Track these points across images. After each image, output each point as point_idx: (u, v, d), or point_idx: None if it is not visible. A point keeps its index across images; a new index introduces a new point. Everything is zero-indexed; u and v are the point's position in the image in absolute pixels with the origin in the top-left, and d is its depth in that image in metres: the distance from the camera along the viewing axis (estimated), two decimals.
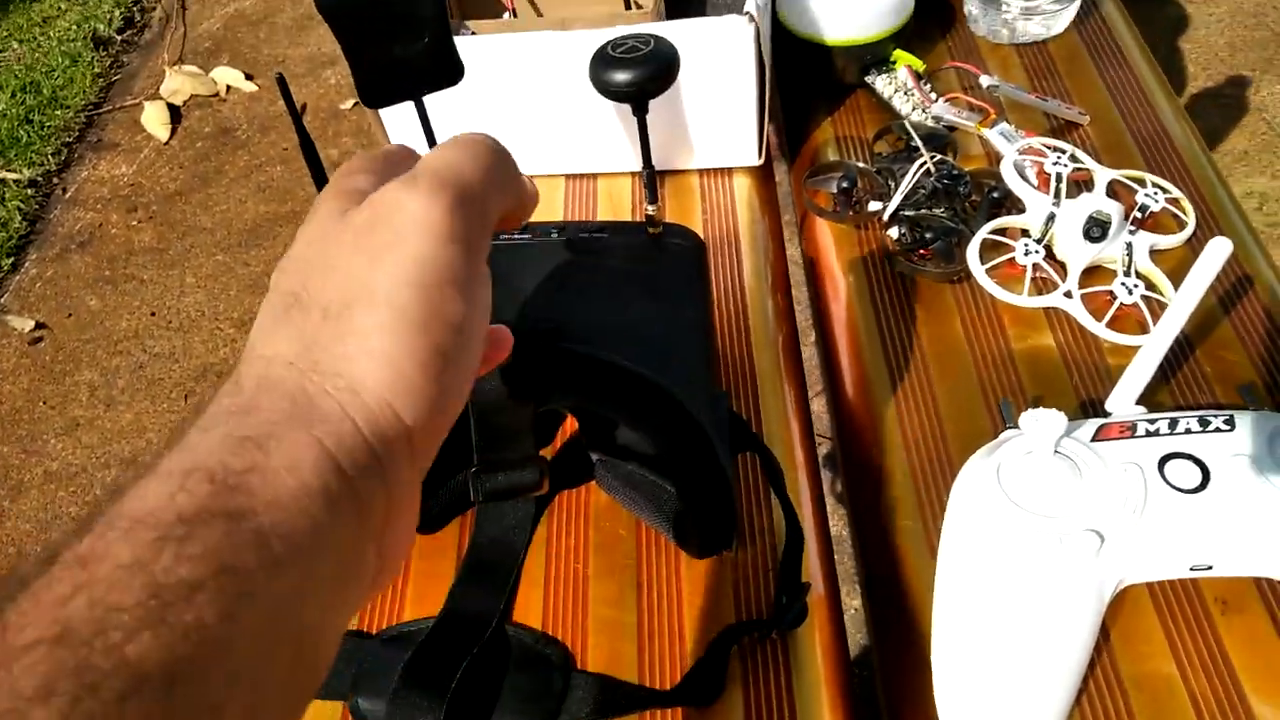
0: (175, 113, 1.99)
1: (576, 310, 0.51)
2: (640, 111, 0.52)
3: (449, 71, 0.53)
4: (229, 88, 2.03)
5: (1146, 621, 0.46)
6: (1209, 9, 1.70)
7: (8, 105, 2.06)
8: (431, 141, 0.55)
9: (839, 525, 0.57)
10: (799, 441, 0.57)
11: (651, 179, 0.56)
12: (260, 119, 1.93)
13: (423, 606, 0.52)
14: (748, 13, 0.63)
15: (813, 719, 0.46)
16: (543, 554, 0.53)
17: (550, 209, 0.73)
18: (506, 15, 0.84)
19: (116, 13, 2.34)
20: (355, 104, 1.93)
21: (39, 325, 1.57)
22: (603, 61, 0.50)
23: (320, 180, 0.62)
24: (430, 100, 0.52)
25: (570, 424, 0.59)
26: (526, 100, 0.70)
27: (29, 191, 1.84)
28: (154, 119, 1.95)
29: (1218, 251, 0.44)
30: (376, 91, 0.52)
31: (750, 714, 0.46)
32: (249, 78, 2.04)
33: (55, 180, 1.89)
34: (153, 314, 1.55)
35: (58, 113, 2.03)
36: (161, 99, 2.01)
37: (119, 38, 2.29)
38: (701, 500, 0.46)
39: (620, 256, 0.56)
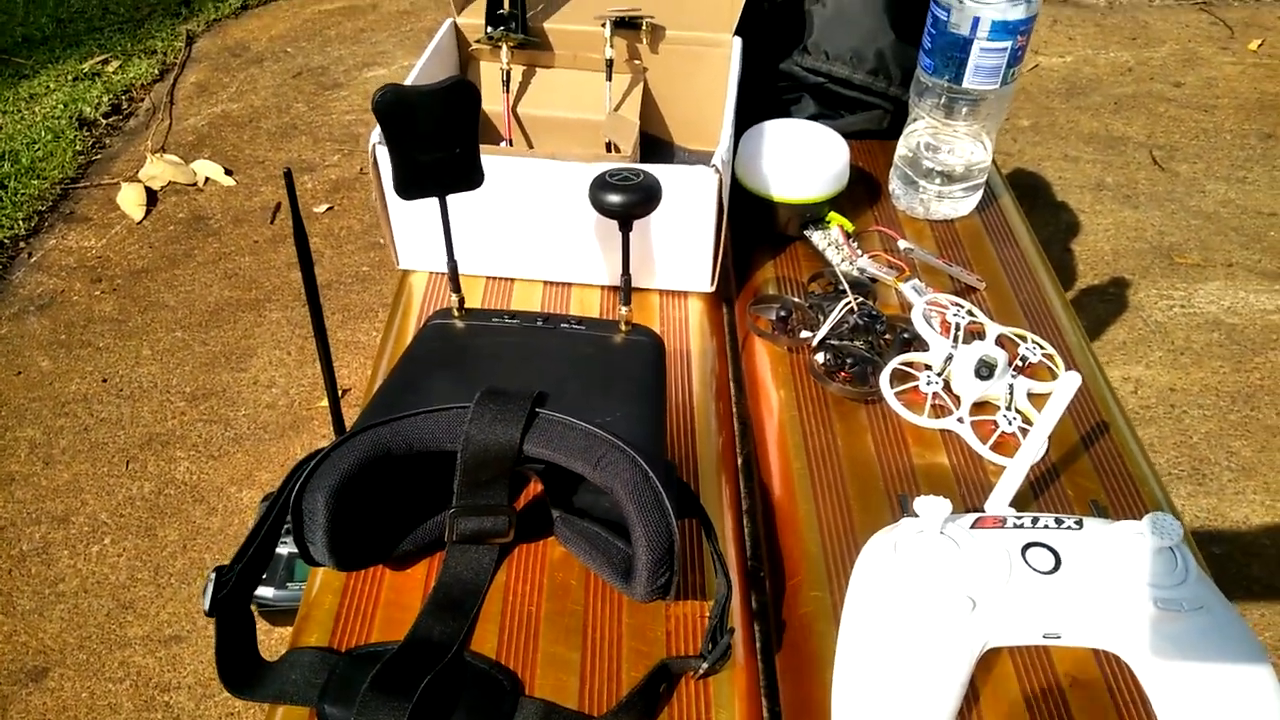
0: (152, 197, 2.07)
1: (554, 384, 0.60)
2: (625, 229, 0.64)
3: (472, 177, 0.64)
4: (207, 179, 2.12)
5: (1011, 690, 0.55)
6: (1097, 220, 1.95)
7: None
8: (448, 233, 0.66)
9: (757, 598, 0.65)
10: (730, 523, 0.66)
11: (627, 284, 0.67)
12: (235, 211, 2.02)
13: (389, 632, 0.57)
14: (713, 165, 0.77)
15: None
16: (501, 596, 0.59)
17: (529, 308, 0.83)
18: (504, 144, 0.97)
19: (105, 99, 2.45)
20: (329, 208, 2.04)
21: None
22: (601, 185, 0.62)
23: (306, 263, 0.71)
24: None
25: (533, 488, 0.67)
26: (520, 214, 0.81)
27: None
28: (130, 199, 2.03)
29: (1069, 383, 0.56)
30: (411, 186, 0.62)
31: None
32: (228, 173, 2.14)
33: (22, 245, 1.93)
34: (104, 380, 1.58)
35: (33, 182, 2.09)
36: (140, 182, 2.09)
37: (104, 121, 2.38)
38: (650, 551, 0.53)
39: (594, 345, 0.66)
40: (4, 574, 1.28)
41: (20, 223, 1.97)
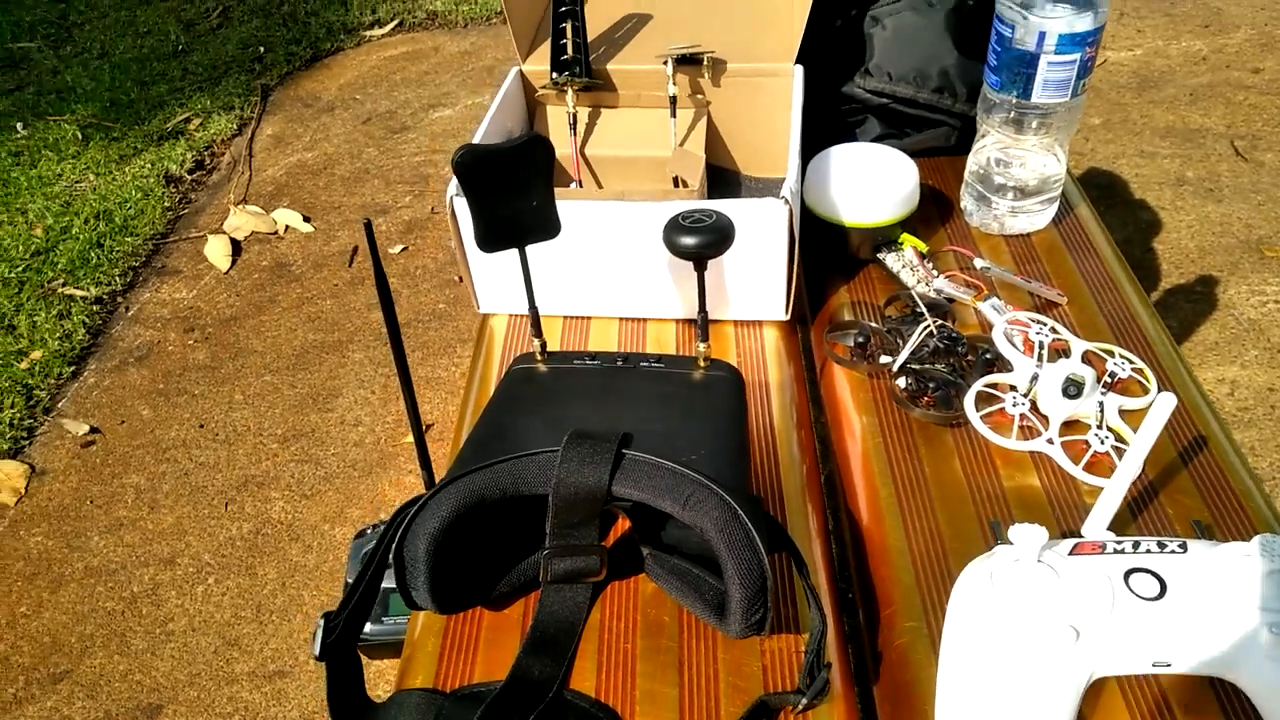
0: (236, 247, 2.16)
1: (638, 423, 0.61)
2: (700, 269, 0.65)
3: (549, 227, 0.66)
4: (288, 227, 2.21)
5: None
6: (1179, 216, 1.89)
7: (80, 229, 2.24)
8: (528, 281, 0.68)
9: (850, 626, 0.65)
10: (820, 551, 0.66)
11: (704, 321, 0.68)
12: (314, 257, 2.10)
13: (490, 672, 0.59)
14: (783, 197, 0.77)
15: None
16: (596, 635, 0.61)
17: (606, 346, 0.85)
18: (573, 185, 0.99)
19: (189, 156, 2.57)
20: (403, 249, 2.10)
21: (93, 430, 1.67)
22: (675, 228, 0.63)
23: (388, 309, 0.74)
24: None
25: (622, 524, 0.68)
26: (593, 255, 0.83)
27: (94, 308, 1.98)
28: (216, 251, 2.12)
29: (1165, 405, 0.55)
30: (492, 239, 0.65)
31: None
32: (307, 220, 2.22)
33: (120, 300, 2.03)
34: (201, 426, 1.65)
35: (127, 239, 2.21)
36: (225, 233, 2.19)
37: (189, 177, 2.50)
38: (743, 588, 0.54)
39: (674, 383, 0.68)
40: (118, 615, 1.35)
41: (117, 279, 2.08)
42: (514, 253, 0.67)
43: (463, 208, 0.81)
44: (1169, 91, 2.31)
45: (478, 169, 0.62)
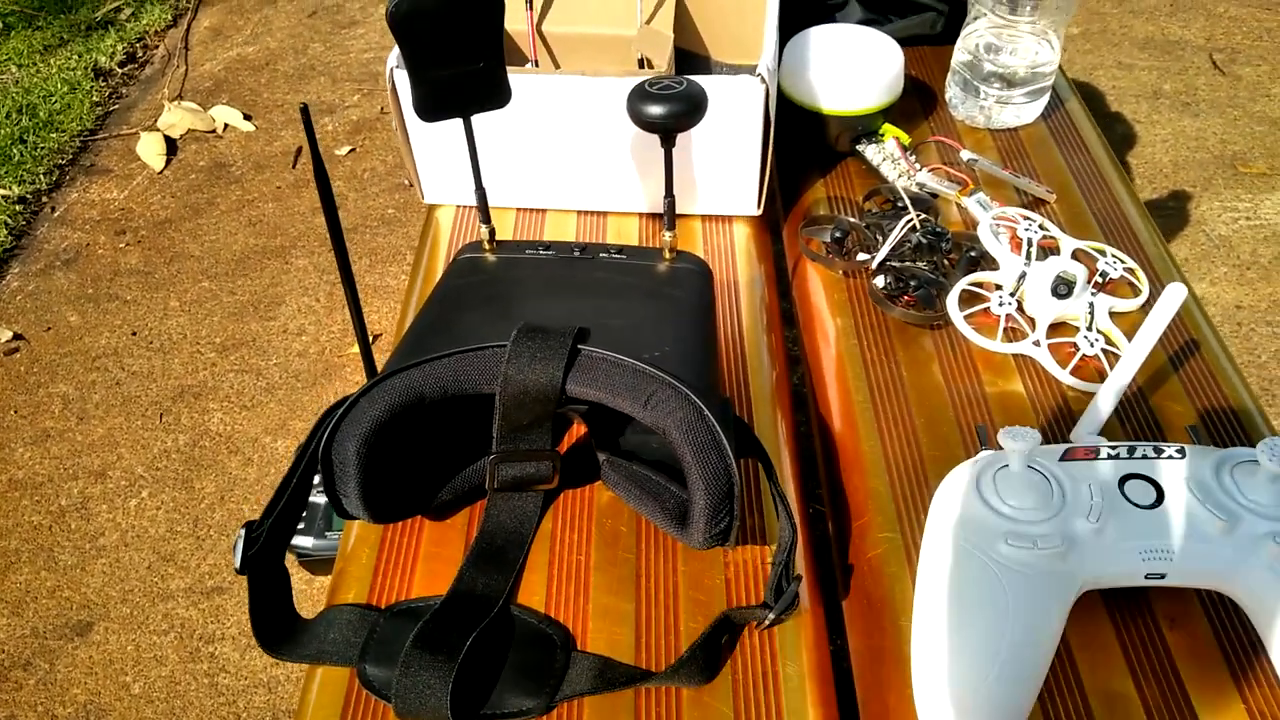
0: (171, 145, 2.02)
1: (595, 318, 0.55)
2: (668, 144, 0.58)
3: (498, 94, 0.59)
4: (226, 126, 2.07)
5: (1104, 635, 0.50)
6: (1154, 130, 1.84)
7: (1, 124, 2.08)
8: (475, 157, 0.61)
9: (818, 535, 0.61)
10: (789, 459, 0.62)
11: (671, 207, 0.61)
12: (256, 157, 1.98)
13: (430, 587, 0.54)
14: (759, 74, 0.70)
15: (796, 706, 0.49)
16: (547, 546, 0.56)
17: (564, 239, 0.78)
18: (529, 65, 0.90)
19: (119, 47, 2.39)
20: (351, 150, 1.98)
21: (16, 336, 1.56)
22: (641, 96, 0.56)
23: (329, 205, 0.67)
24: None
25: (576, 429, 0.62)
26: (550, 139, 0.75)
27: (17, 208, 1.85)
28: (150, 149, 1.99)
29: (1174, 296, 0.50)
30: (432, 106, 0.57)
31: (738, 700, 0.49)
32: (247, 118, 2.09)
33: (45, 199, 1.90)
34: (134, 333, 1.56)
35: (52, 135, 2.05)
36: (159, 130, 2.04)
37: (120, 70, 2.33)
38: (708, 495, 0.49)
39: (637, 275, 0.61)
40: (44, 530, 1.28)
41: (41, 177, 1.94)
42: (460, 131, 0.60)
43: (405, 81, 0.73)
44: (1149, 2, 2.24)
45: (417, 21, 0.54)
